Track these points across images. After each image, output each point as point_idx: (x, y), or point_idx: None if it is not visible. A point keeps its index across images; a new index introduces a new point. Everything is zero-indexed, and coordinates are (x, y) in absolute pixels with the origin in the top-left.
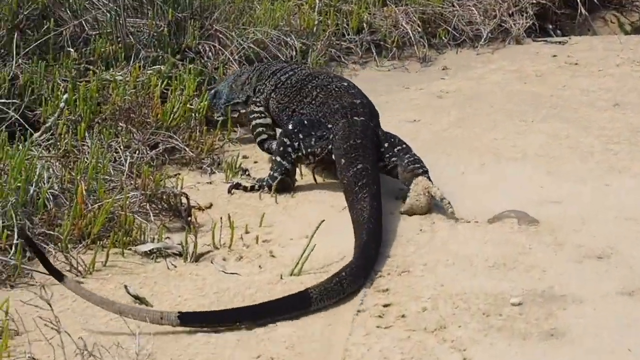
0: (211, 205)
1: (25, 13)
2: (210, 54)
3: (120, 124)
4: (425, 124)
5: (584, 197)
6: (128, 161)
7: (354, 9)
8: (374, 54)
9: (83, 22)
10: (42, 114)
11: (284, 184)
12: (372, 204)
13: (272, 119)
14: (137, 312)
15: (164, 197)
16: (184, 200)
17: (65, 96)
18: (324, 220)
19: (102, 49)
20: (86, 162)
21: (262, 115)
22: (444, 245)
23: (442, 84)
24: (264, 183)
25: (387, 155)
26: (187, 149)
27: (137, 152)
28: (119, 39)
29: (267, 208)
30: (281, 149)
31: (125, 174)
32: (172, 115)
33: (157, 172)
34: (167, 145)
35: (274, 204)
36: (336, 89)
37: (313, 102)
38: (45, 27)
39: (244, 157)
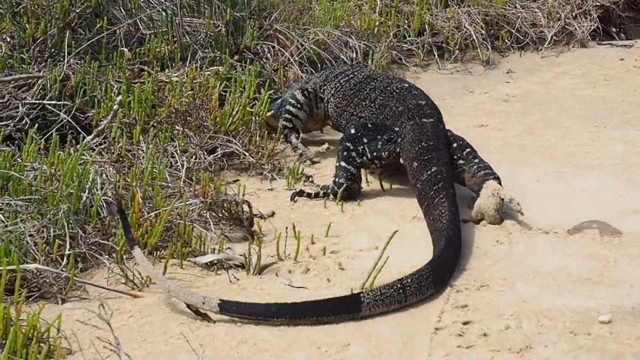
0: (273, 213)
1: (78, 11)
2: (269, 55)
3: (177, 127)
4: (494, 130)
5: None
6: (185, 166)
7: (416, 10)
8: (436, 56)
9: (137, 21)
10: (95, 117)
11: (350, 191)
12: (451, 209)
13: (333, 122)
14: (183, 294)
15: (225, 205)
16: (245, 208)
17: (119, 98)
18: (397, 231)
19: (158, 49)
20: (141, 167)
21: (299, 105)
22: (523, 259)
23: (508, 88)
24: (329, 190)
25: (455, 158)
26: (246, 153)
27: (195, 157)
28: (175, 39)
29: (333, 217)
30: (345, 153)
31: (182, 179)
32: (231, 118)
33: (216, 178)
34: (226, 150)
35: (340, 212)
36: (397, 90)
37: (372, 104)
38: (98, 25)
39: (311, 161)
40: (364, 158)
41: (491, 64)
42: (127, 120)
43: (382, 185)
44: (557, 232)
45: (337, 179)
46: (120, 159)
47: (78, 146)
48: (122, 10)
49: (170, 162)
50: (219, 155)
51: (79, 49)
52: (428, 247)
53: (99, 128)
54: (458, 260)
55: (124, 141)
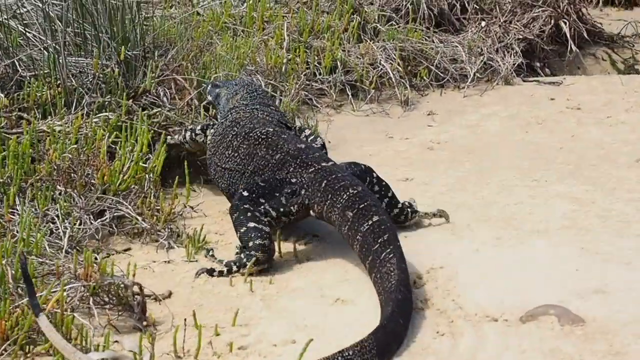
0: (170, 294)
1: None
2: (165, 99)
3: (59, 186)
4: (420, 184)
5: (634, 284)
6: (67, 234)
7: (327, 45)
8: (350, 96)
9: (15, 62)
10: None
11: (269, 253)
12: (400, 267)
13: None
14: None
15: (112, 288)
16: (136, 290)
17: None
18: (312, 340)
19: (39, 94)
20: (14, 236)
21: (185, 141)
22: (473, 356)
23: (431, 133)
24: (244, 259)
25: None
26: (139, 218)
27: (79, 222)
28: (59, 82)
29: (241, 299)
30: (248, 214)
31: (63, 251)
32: (121, 176)
33: (102, 254)
34: (116, 214)
35: (249, 292)
36: (263, 136)
37: (236, 154)
38: None
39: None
40: (268, 218)
41: (410, 105)
42: (1, 180)
43: (296, 253)
44: (508, 319)
45: (251, 243)
46: None
47: None
48: None
49: (51, 229)
50: (107, 220)
51: None
52: (358, 337)
53: None
54: (408, 329)
55: None
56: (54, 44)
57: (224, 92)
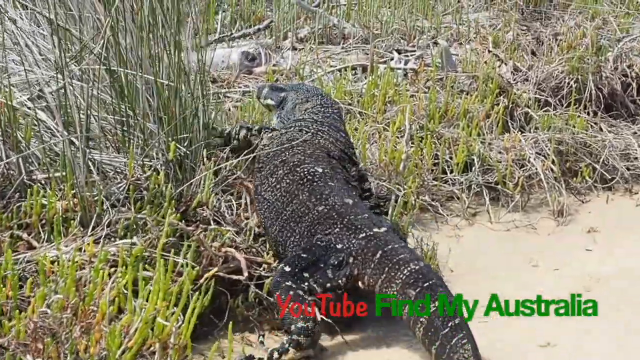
0: None
1: None
2: (227, 213)
3: (28, 357)
4: (564, 353)
5: None
6: None
7: (461, 135)
8: (487, 202)
9: (20, 160)
10: None
11: (307, 340)
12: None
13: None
14: None
15: None
16: None
17: None
18: None
19: (45, 207)
20: None
21: (240, 140)
22: None
23: (590, 261)
24: (285, 346)
25: None
26: None
27: None
28: (75, 191)
29: None
30: (290, 293)
31: None
32: (127, 340)
33: None
34: None
35: None
36: (309, 177)
37: (278, 186)
38: None
39: None
40: (313, 297)
41: (566, 215)
42: None
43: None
44: None
45: (293, 326)
46: None
47: None
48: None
49: None
50: None
51: None
52: None
53: None
54: None
55: None
56: (68, 137)
57: (292, 97)
